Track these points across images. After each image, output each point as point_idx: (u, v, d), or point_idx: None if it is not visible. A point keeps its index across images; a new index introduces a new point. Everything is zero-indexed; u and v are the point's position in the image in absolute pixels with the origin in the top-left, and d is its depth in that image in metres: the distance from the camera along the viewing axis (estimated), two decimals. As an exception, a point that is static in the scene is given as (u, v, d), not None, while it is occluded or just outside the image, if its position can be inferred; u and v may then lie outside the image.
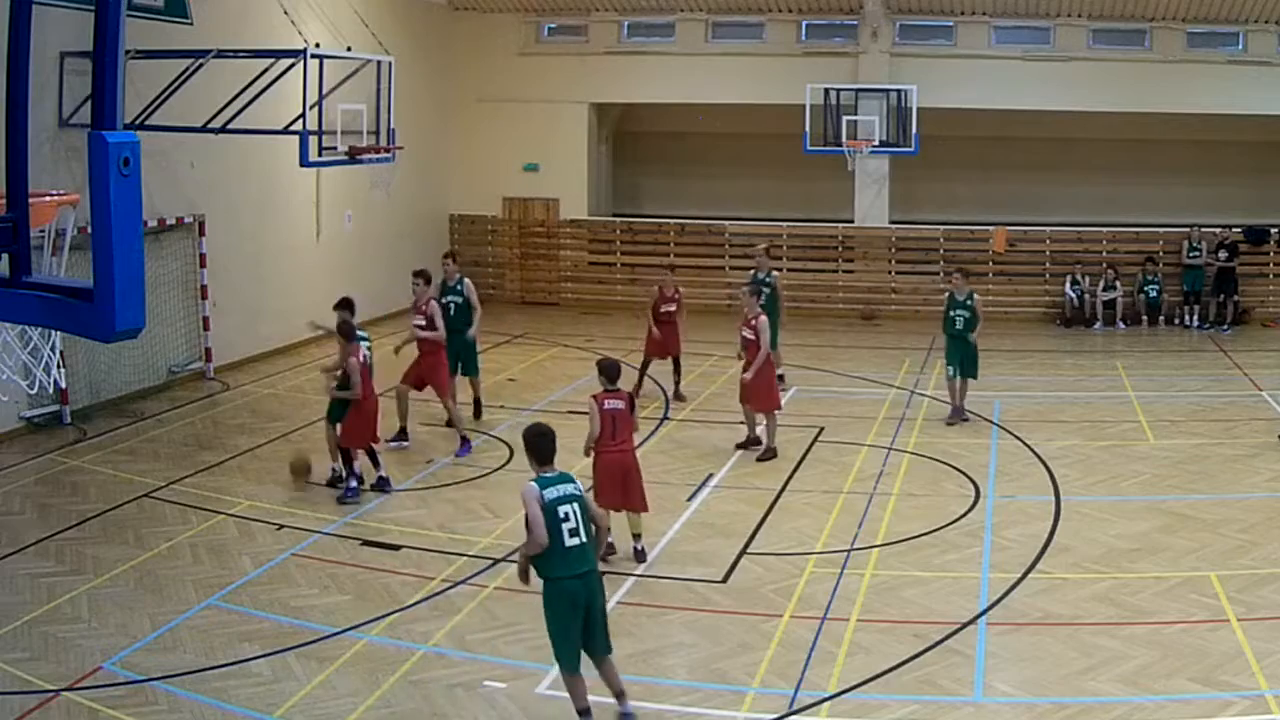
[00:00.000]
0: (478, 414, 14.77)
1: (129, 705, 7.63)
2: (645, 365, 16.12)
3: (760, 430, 13.54)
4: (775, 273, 16.88)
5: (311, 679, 8.03)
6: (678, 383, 16.12)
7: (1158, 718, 7.40)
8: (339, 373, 11.98)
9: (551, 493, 7.17)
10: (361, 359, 11.76)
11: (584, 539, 7.17)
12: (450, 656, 8.40)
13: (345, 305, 12.44)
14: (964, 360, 14.70)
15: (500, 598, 9.41)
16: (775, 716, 7.58)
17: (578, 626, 7.16)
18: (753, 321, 13.21)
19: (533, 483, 7.24)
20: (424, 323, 13.48)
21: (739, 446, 13.56)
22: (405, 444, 13.67)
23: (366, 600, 9.40)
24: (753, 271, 16.66)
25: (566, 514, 7.14)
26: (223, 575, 9.89)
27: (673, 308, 15.93)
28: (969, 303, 14.65)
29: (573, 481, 7.36)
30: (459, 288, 14.30)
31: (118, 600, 9.36)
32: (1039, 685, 7.86)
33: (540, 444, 7.46)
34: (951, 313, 14.75)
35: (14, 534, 10.79)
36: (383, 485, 12.02)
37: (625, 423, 10.07)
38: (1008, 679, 7.98)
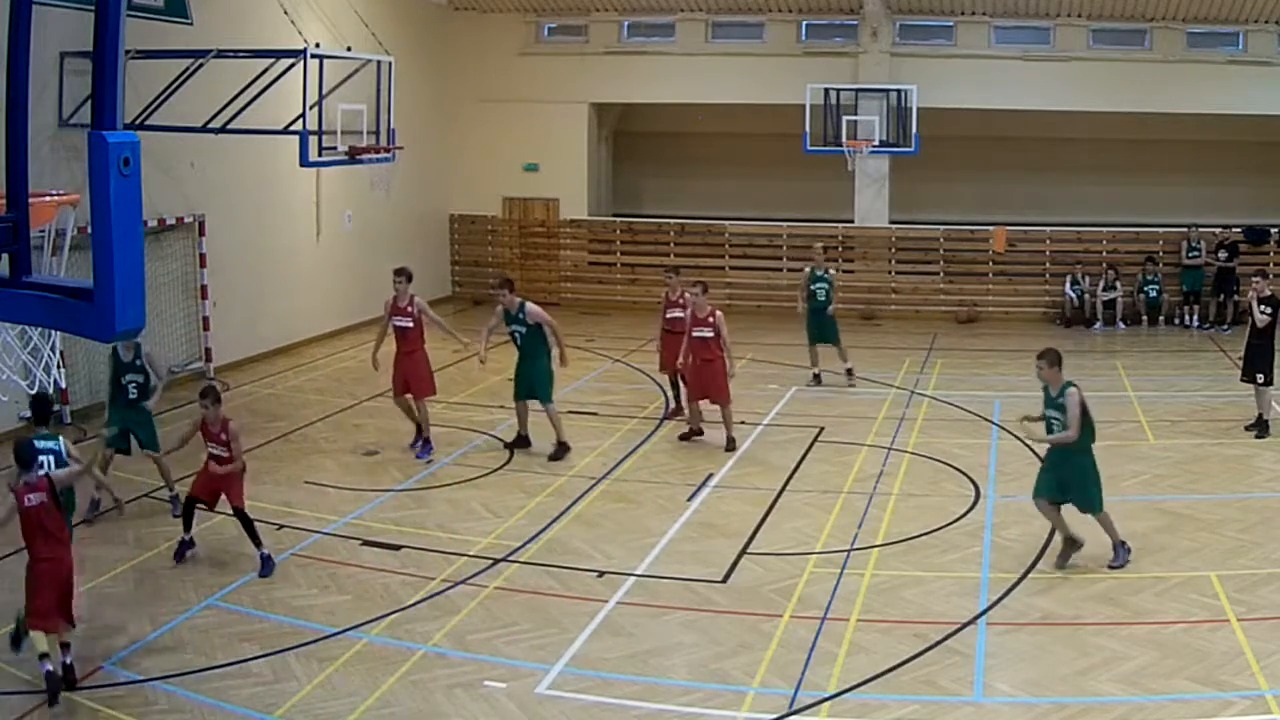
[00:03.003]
0: (524, 445, 13.64)
1: (129, 705, 7.63)
2: (674, 385, 14.90)
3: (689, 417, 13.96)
4: (833, 270, 17.40)
5: (311, 679, 8.03)
6: (676, 399, 14.83)
7: (1158, 718, 7.39)
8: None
9: None
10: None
11: None
12: (450, 656, 8.40)
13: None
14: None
15: (500, 598, 9.43)
16: (775, 716, 7.58)
17: None
18: (709, 319, 13.47)
19: None
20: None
21: (682, 438, 13.94)
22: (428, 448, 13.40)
23: (366, 600, 9.40)
24: (810, 268, 17.07)
25: None
26: (223, 575, 9.89)
27: (680, 314, 14.19)
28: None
29: None
30: (521, 315, 13.29)
31: (118, 600, 9.36)
32: (1039, 685, 7.85)
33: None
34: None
35: (14, 534, 10.74)
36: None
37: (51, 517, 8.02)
38: (1008, 679, 7.98)
